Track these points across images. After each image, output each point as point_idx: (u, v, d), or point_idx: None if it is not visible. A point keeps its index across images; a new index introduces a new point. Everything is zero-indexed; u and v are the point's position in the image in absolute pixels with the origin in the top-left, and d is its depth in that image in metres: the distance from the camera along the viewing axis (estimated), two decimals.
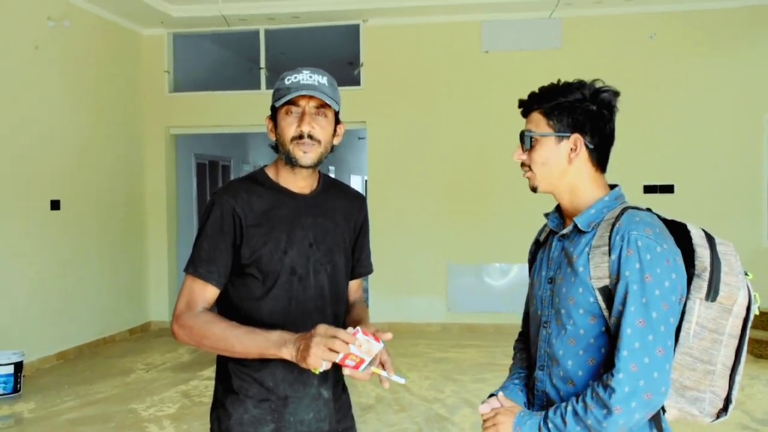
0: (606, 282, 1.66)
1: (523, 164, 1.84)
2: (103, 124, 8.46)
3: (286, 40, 9.52)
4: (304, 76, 1.97)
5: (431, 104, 9.03)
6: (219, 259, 1.97)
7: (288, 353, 1.77)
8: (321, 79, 1.99)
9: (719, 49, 8.57)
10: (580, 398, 1.65)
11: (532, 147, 1.80)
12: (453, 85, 8.96)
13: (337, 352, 1.70)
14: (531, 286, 1.91)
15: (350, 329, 1.78)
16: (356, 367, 1.78)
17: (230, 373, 2.05)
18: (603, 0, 8.32)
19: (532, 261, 1.97)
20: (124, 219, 8.88)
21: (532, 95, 1.82)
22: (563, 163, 1.78)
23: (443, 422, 5.38)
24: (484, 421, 1.78)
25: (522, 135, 1.83)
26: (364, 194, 2.28)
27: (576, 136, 1.77)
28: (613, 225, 1.68)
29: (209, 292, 1.97)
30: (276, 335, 1.81)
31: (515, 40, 8.63)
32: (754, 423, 5.26)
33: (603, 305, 1.68)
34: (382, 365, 1.86)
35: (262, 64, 9.27)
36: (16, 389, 6.20)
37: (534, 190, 1.85)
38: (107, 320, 8.50)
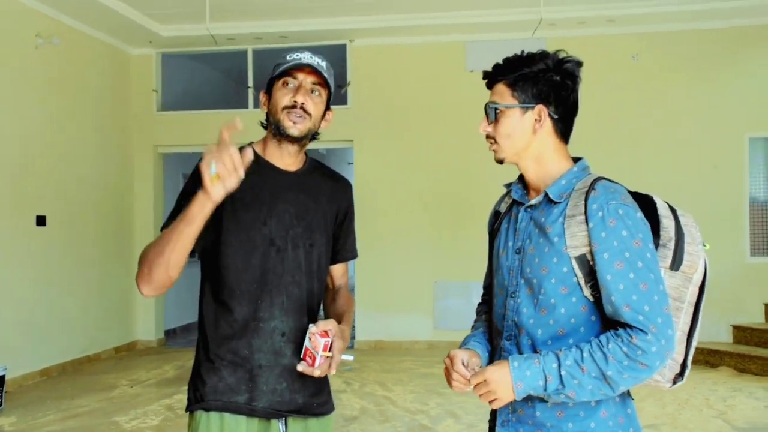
0: (583, 250, 1.69)
1: (488, 136, 1.85)
2: (91, 141, 8.49)
3: (273, 59, 9.58)
4: (306, 55, 2.05)
5: (417, 123, 9.13)
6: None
7: (203, 194, 1.77)
8: (321, 61, 2.07)
9: (701, 69, 8.72)
10: (595, 348, 1.64)
11: (496, 119, 1.82)
12: (438, 103, 9.07)
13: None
14: (495, 256, 1.92)
15: (311, 327, 1.93)
16: (312, 364, 1.93)
17: (208, 341, 2.08)
18: (586, 20, 8.48)
19: (493, 232, 1.98)
20: (111, 236, 8.88)
21: (495, 66, 1.83)
22: (528, 134, 1.80)
23: None
24: (475, 386, 1.74)
25: (486, 107, 1.83)
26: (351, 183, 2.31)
27: (540, 107, 1.78)
28: (587, 194, 1.70)
29: None
30: (195, 209, 1.81)
31: (499, 59, 8.72)
32: (734, 431, 5.30)
33: (579, 274, 1.70)
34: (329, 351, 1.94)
35: (250, 83, 9.35)
36: None
37: (500, 162, 1.87)
38: (93, 338, 8.45)
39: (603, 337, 1.66)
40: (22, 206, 7.28)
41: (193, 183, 1.95)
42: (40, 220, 7.51)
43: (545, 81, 1.77)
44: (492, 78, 1.84)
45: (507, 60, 1.82)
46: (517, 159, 1.84)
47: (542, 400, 1.73)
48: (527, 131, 1.80)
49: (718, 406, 6.01)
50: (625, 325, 1.65)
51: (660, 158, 8.69)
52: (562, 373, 1.65)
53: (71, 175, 8.07)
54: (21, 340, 7.19)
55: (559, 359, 1.66)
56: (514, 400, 1.72)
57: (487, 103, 1.84)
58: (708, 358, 7.66)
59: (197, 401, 2.05)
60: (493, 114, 1.82)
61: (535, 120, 1.79)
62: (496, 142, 1.84)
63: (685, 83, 8.74)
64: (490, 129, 1.84)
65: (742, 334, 7.99)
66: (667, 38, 8.75)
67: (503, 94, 1.81)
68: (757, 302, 8.28)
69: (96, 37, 8.58)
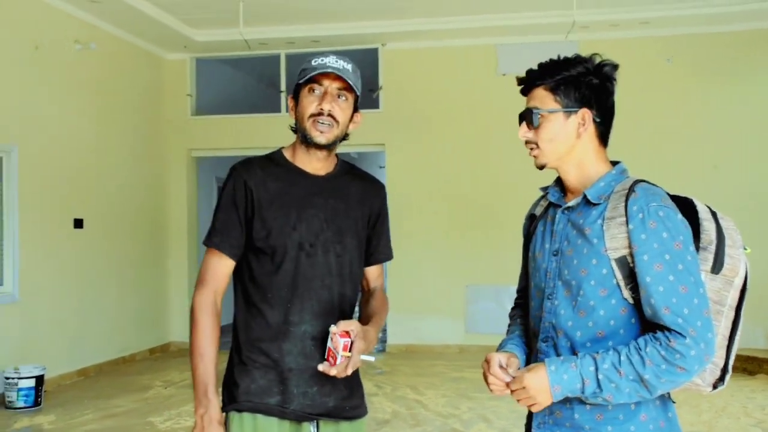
0: (624, 252, 1.68)
1: (528, 142, 1.83)
2: (126, 145, 8.63)
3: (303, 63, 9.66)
4: (331, 60, 2.06)
5: (449, 126, 9.12)
6: (232, 229, 2.07)
7: (198, 414, 2.02)
8: (346, 64, 2.07)
9: (737, 71, 8.58)
10: (633, 351, 1.63)
11: (539, 124, 1.80)
12: (470, 107, 9.05)
13: None
14: (532, 258, 1.91)
15: (332, 327, 1.96)
16: (333, 364, 1.95)
17: (241, 345, 2.11)
18: (619, 23, 8.40)
19: (528, 235, 1.98)
20: (145, 239, 9.01)
21: (532, 72, 1.81)
22: (572, 139, 1.78)
23: None
24: (512, 391, 1.73)
25: (528, 113, 1.81)
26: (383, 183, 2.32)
27: (584, 111, 1.77)
28: (627, 196, 1.70)
29: (224, 264, 2.08)
30: (201, 393, 2.03)
31: (532, 63, 8.59)
32: None
33: (619, 276, 1.69)
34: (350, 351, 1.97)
35: (283, 87, 9.42)
36: (37, 403, 6.27)
37: (541, 167, 1.85)
38: (128, 339, 8.58)
39: (641, 340, 1.65)
40: (61, 209, 7.42)
41: (232, 193, 2.08)
42: (78, 223, 7.65)
43: (586, 84, 1.77)
44: (529, 83, 1.82)
45: (544, 64, 1.80)
46: (559, 164, 1.82)
47: (581, 402, 1.72)
48: (571, 136, 1.79)
49: (757, 414, 5.90)
50: (664, 328, 1.64)
51: (695, 162, 8.56)
52: (600, 376, 1.64)
53: (108, 179, 8.20)
54: (59, 340, 7.33)
55: (596, 362, 1.65)
56: (551, 403, 1.72)
57: (527, 108, 1.82)
58: (745, 366, 7.52)
59: (230, 402, 2.09)
60: (536, 119, 1.80)
61: (579, 124, 1.78)
62: (537, 147, 1.82)
63: (721, 85, 8.60)
64: (531, 134, 1.82)
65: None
66: (702, 40, 8.62)
67: (543, 98, 1.79)
68: None
69: (132, 43, 8.72)
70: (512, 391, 1.74)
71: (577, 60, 1.78)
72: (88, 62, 7.81)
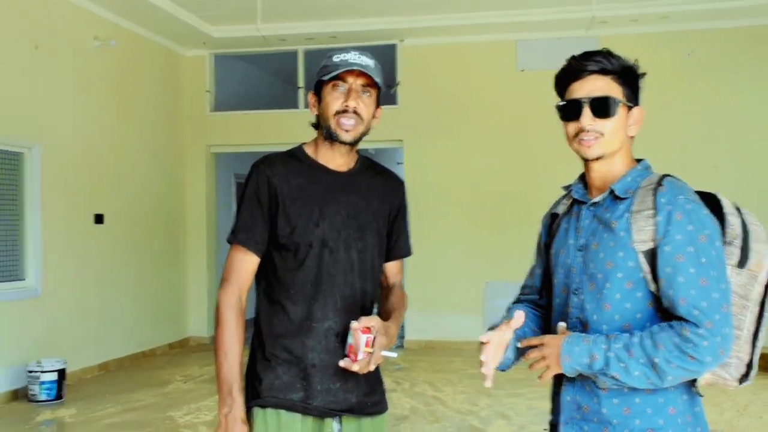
0: (651, 245, 1.68)
1: (583, 130, 1.77)
2: (146, 141, 8.69)
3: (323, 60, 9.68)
4: (353, 56, 2.05)
5: (467, 123, 9.09)
6: (256, 226, 2.07)
7: (222, 413, 2.00)
8: (368, 60, 2.07)
9: (758, 66, 8.49)
10: (647, 335, 1.65)
11: (615, 113, 1.76)
12: (489, 103, 9.02)
13: None
14: (554, 256, 1.91)
15: (353, 323, 1.95)
16: (355, 360, 1.95)
17: (264, 340, 2.12)
18: (639, 18, 8.33)
19: (549, 233, 1.97)
20: (164, 235, 9.07)
21: (592, 56, 1.77)
22: (626, 133, 1.80)
23: None
24: (530, 348, 1.77)
25: (603, 100, 1.75)
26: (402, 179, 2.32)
27: (640, 108, 1.81)
28: (656, 189, 1.71)
29: (249, 261, 2.08)
30: (225, 392, 2.01)
31: (551, 58, 8.54)
32: None
33: (646, 268, 1.69)
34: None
35: (301, 83, 9.44)
36: (59, 396, 6.34)
37: (597, 158, 1.79)
38: (148, 334, 8.65)
39: (656, 327, 1.66)
40: (82, 204, 7.49)
41: (255, 190, 2.08)
42: (98, 219, 7.72)
43: (635, 80, 1.80)
44: (590, 67, 1.77)
45: (607, 53, 1.78)
46: (611, 155, 1.80)
47: (608, 396, 1.72)
48: (626, 129, 1.80)
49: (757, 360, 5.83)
50: (682, 319, 1.64)
51: (714, 156, 8.48)
52: (609, 354, 1.66)
53: (128, 175, 8.27)
54: (80, 335, 7.41)
55: (609, 342, 1.67)
56: (579, 398, 1.75)
57: (603, 95, 1.75)
58: (767, 364, 7.44)
59: (254, 398, 2.09)
60: (613, 108, 1.76)
61: (636, 120, 1.81)
62: (602, 136, 1.77)
63: (741, 80, 8.50)
64: (595, 123, 1.76)
65: None
66: (722, 35, 8.53)
67: (610, 87, 1.77)
68: None
69: (151, 39, 8.77)
70: (530, 349, 1.77)
71: (624, 57, 1.80)
72: (107, 59, 7.87)
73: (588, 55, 1.78)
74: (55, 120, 7.13)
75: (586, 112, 1.76)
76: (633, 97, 1.79)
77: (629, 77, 1.78)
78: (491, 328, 1.84)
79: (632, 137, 1.84)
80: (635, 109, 1.80)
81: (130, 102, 8.36)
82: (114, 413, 6.00)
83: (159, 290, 8.93)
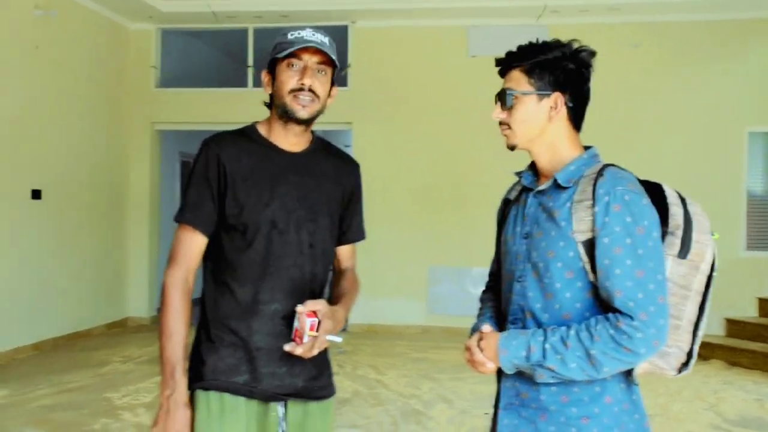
0: (589, 235, 1.70)
1: (501, 123, 1.87)
2: (87, 115, 8.43)
3: (274, 39, 9.53)
4: (308, 33, 2.00)
5: (418, 107, 9.08)
6: (204, 205, 2.01)
7: (164, 395, 1.95)
8: (323, 38, 2.02)
9: (703, 60, 8.67)
10: (583, 327, 1.67)
11: (512, 105, 1.83)
12: (439, 88, 9.02)
13: None
14: (503, 242, 1.93)
15: (299, 306, 1.92)
16: (300, 344, 1.93)
17: (209, 322, 2.07)
18: (588, 9, 8.42)
19: (501, 219, 1.99)
20: (105, 213, 8.84)
21: (510, 53, 1.84)
22: (543, 121, 1.81)
23: (419, 416, 5.38)
24: (467, 349, 1.81)
25: (502, 93, 1.84)
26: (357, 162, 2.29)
27: (557, 95, 1.80)
28: (596, 180, 1.72)
29: (196, 241, 2.03)
30: (168, 374, 1.95)
31: (502, 45, 8.59)
32: (726, 424, 5.32)
33: (585, 258, 1.71)
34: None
35: (250, 62, 9.28)
36: None
37: (512, 148, 1.88)
38: (85, 314, 8.44)
39: (593, 319, 1.69)
40: (19, 179, 7.23)
41: (204, 168, 2.02)
42: (36, 194, 7.47)
43: (561, 69, 1.80)
44: (506, 64, 1.85)
45: (522, 47, 1.83)
46: (530, 145, 1.85)
47: (547, 384, 1.74)
48: (542, 118, 1.81)
49: (710, 398, 6.03)
50: (617, 310, 1.66)
51: (658, 148, 8.65)
52: (546, 346, 1.69)
53: (67, 150, 8.01)
54: (14, 313, 7.17)
55: (546, 334, 1.71)
56: (518, 384, 1.77)
57: (502, 89, 1.85)
58: (700, 351, 7.63)
59: (197, 380, 2.03)
60: (509, 100, 1.82)
61: (551, 107, 1.81)
62: (509, 128, 1.85)
63: (686, 74, 8.68)
64: (504, 115, 1.85)
65: (734, 327, 8.01)
66: (669, 28, 8.69)
67: (519, 80, 1.82)
68: (751, 296, 8.30)
69: (95, 11, 8.49)
70: (468, 349, 1.80)
71: (555, 44, 1.81)
72: (48, 29, 7.59)
73: (506, 54, 1.85)
74: None
75: (496, 106, 1.87)
76: (547, 87, 1.80)
77: (545, 68, 1.79)
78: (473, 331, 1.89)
79: (575, 128, 1.85)
80: (553, 95, 1.80)
81: (71, 75, 8.09)
82: (48, 394, 5.84)
83: (98, 269, 8.70)
